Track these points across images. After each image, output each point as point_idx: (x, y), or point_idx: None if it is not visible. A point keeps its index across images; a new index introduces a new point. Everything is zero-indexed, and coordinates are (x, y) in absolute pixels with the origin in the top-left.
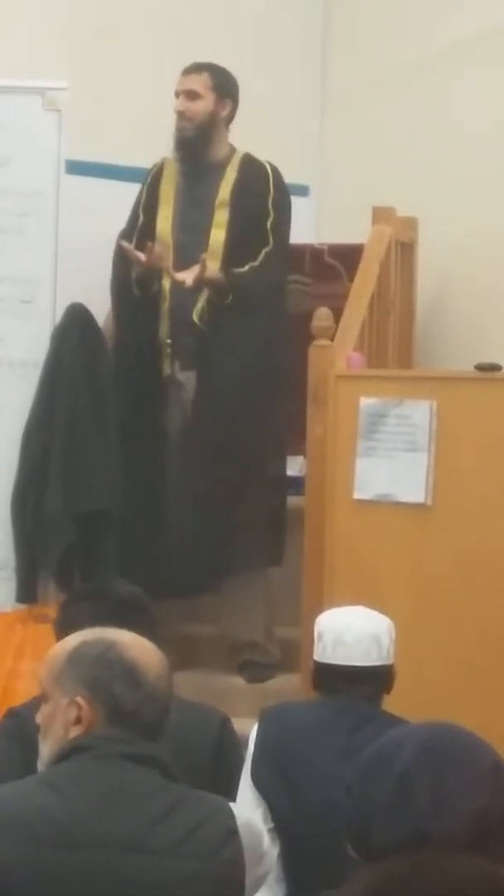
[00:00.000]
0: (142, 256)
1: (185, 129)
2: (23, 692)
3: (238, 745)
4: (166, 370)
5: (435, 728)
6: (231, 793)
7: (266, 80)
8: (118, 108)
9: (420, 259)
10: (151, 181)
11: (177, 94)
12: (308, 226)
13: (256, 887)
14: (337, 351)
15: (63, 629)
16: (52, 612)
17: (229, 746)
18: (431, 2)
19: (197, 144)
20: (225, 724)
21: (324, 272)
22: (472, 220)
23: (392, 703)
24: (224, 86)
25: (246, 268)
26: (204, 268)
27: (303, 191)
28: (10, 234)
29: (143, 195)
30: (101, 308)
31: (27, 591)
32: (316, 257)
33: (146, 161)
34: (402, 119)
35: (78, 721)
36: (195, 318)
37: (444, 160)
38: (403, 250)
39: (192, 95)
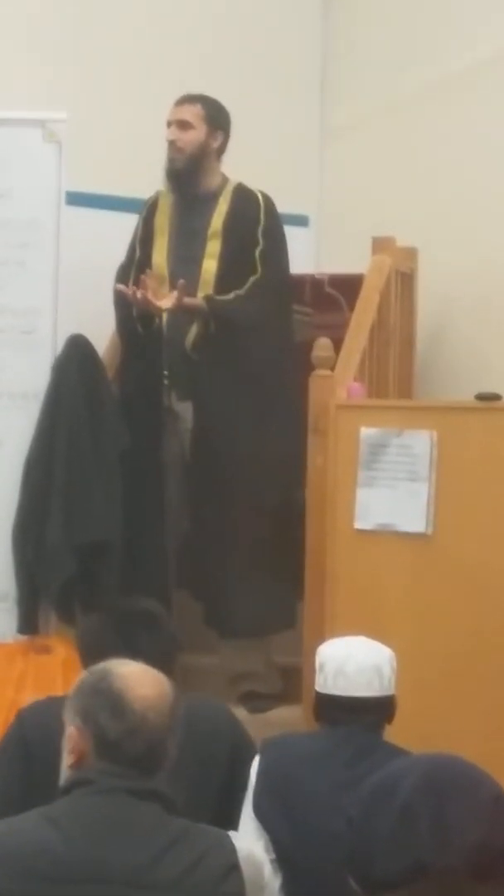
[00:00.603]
0: (137, 294)
1: (175, 159)
2: None
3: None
4: (165, 401)
5: (436, 760)
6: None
7: (266, 111)
8: (118, 140)
9: (420, 289)
10: (147, 214)
11: (168, 124)
12: (308, 256)
13: None
14: (337, 381)
15: (82, 646)
16: (53, 643)
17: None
18: (431, 33)
19: (187, 175)
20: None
21: (324, 302)
22: (472, 249)
23: (394, 734)
24: (216, 117)
25: (231, 295)
26: (182, 293)
27: (303, 221)
28: (11, 266)
29: (140, 228)
30: (101, 338)
31: (28, 622)
32: (316, 287)
33: (146, 192)
34: (401, 149)
35: (71, 750)
36: (187, 347)
37: (443, 190)
38: (403, 280)
39: (183, 125)
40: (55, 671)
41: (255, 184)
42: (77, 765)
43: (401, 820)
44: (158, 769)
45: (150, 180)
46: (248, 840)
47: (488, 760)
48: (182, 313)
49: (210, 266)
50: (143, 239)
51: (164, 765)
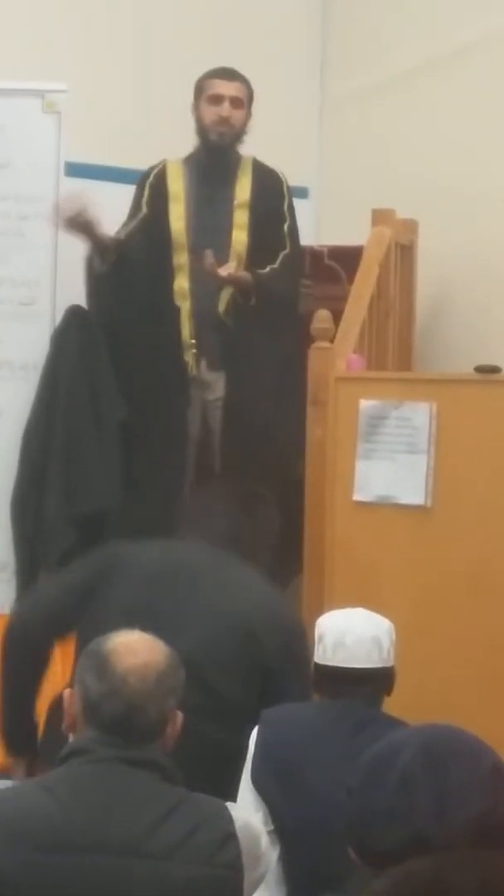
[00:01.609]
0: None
1: (224, 134)
2: None
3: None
4: (192, 371)
5: (435, 731)
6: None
7: (266, 83)
8: (118, 111)
9: (420, 261)
10: (154, 180)
11: (218, 98)
12: (308, 228)
13: (254, 889)
14: (336, 353)
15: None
16: None
17: None
18: (431, 5)
19: (228, 151)
20: None
21: (323, 274)
22: (472, 222)
23: (393, 706)
24: (252, 97)
25: (267, 269)
26: (239, 265)
27: (302, 193)
28: (10, 237)
29: (146, 191)
30: None
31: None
32: (316, 259)
33: (146, 163)
34: (401, 121)
35: (67, 712)
36: (221, 312)
37: (443, 162)
38: (403, 252)
39: (237, 103)
40: None
41: (256, 156)
42: (71, 727)
43: (399, 791)
44: (147, 737)
45: (150, 151)
46: (246, 811)
47: (487, 732)
48: (212, 282)
49: (240, 237)
50: (153, 201)
51: (156, 734)
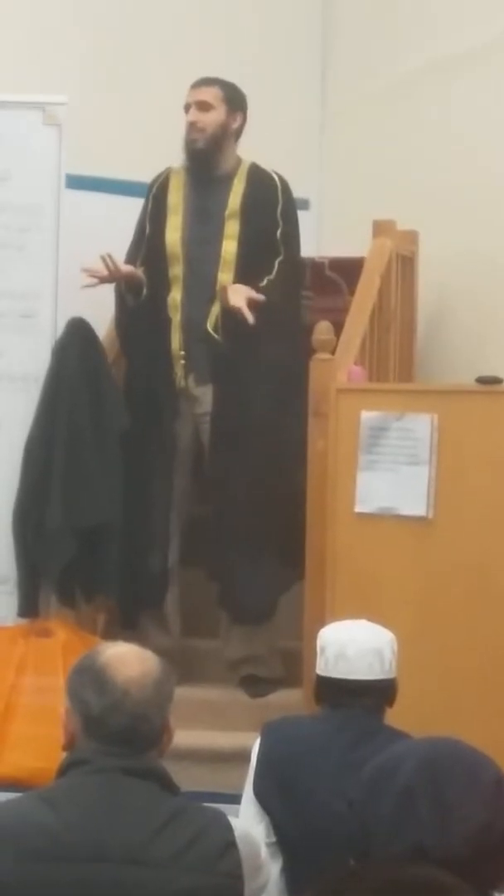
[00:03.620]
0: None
1: (196, 140)
2: (25, 707)
3: None
4: (180, 383)
5: (437, 743)
6: None
7: (266, 95)
8: (118, 123)
9: (420, 272)
10: (157, 191)
11: (187, 106)
12: (309, 239)
13: None
14: (338, 364)
15: None
16: (53, 626)
17: None
18: (430, 16)
19: (208, 156)
20: None
21: (324, 286)
22: (473, 233)
23: (394, 717)
24: (234, 99)
25: (265, 281)
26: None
27: (303, 204)
28: (11, 249)
29: (150, 205)
30: (101, 322)
31: (29, 606)
32: (317, 271)
33: (146, 175)
34: (402, 132)
35: (63, 731)
36: (209, 328)
37: (444, 173)
38: (404, 263)
39: (204, 106)
40: (55, 654)
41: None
42: (69, 745)
43: (401, 803)
44: (149, 745)
45: (150, 163)
46: (249, 822)
47: (489, 744)
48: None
49: (230, 247)
50: (154, 216)
51: (156, 742)
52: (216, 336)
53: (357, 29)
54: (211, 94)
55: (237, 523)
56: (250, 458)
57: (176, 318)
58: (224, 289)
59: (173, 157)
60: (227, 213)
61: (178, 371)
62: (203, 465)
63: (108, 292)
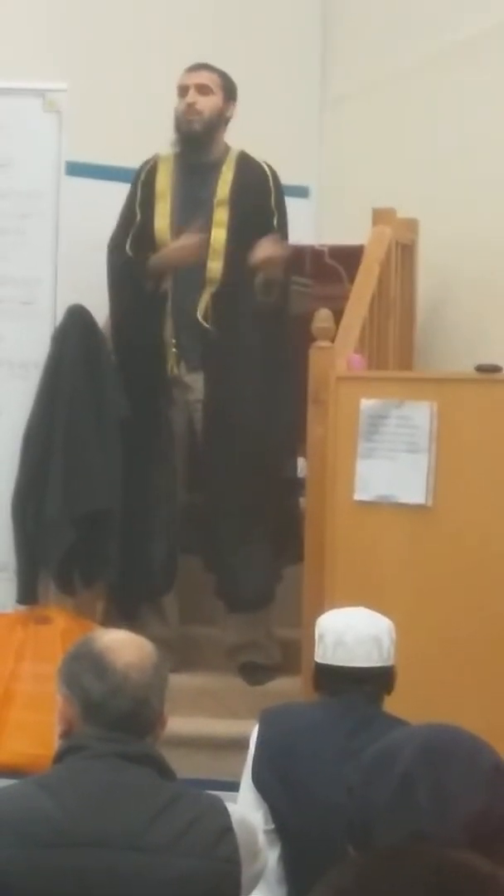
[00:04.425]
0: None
1: (193, 121)
2: (24, 693)
3: None
4: (172, 370)
5: (436, 730)
6: None
7: (266, 82)
8: (118, 110)
9: (420, 260)
10: (146, 178)
11: (184, 89)
12: (308, 227)
13: (253, 884)
14: (337, 352)
15: None
16: (52, 613)
17: None
18: (430, 3)
19: (202, 140)
20: None
21: (324, 274)
22: (473, 221)
23: (393, 704)
24: (230, 88)
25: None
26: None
27: (303, 192)
28: (11, 236)
29: (139, 192)
30: (101, 309)
31: (28, 593)
32: (316, 259)
33: None
34: (401, 120)
35: (60, 719)
36: (199, 316)
37: (444, 161)
38: (404, 251)
39: (203, 90)
40: (54, 641)
41: (256, 154)
42: (66, 733)
43: (400, 789)
44: (148, 730)
45: (150, 150)
46: (248, 810)
47: (487, 730)
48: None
49: (219, 235)
50: (143, 203)
51: (155, 727)
52: (206, 324)
53: (357, 16)
54: (211, 79)
55: (231, 510)
56: (242, 445)
57: (167, 305)
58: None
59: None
60: (215, 200)
61: (171, 359)
62: (195, 453)
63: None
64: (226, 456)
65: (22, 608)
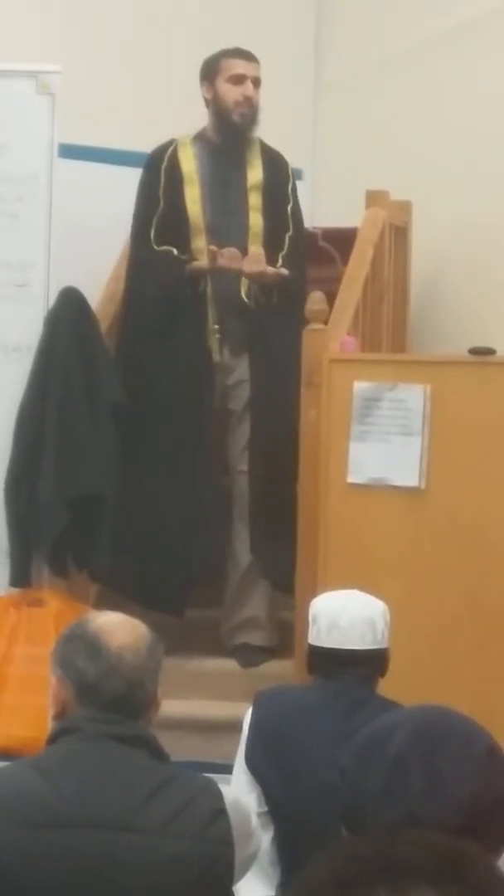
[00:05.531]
0: (219, 259)
1: (246, 115)
2: (16, 676)
3: None
4: (216, 356)
5: (429, 712)
6: None
7: (261, 65)
8: (111, 92)
9: (414, 243)
10: (168, 164)
11: (241, 78)
12: (302, 210)
13: (246, 866)
14: (331, 335)
15: None
16: (45, 595)
17: None
18: None
19: (248, 132)
20: None
21: (318, 256)
22: (466, 203)
23: (387, 687)
24: None
25: (280, 260)
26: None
27: (297, 175)
28: (4, 218)
29: (162, 179)
30: (94, 292)
31: (21, 575)
32: (310, 241)
33: (139, 145)
34: (395, 103)
35: (54, 701)
36: (244, 297)
37: (437, 144)
38: (397, 234)
39: (258, 83)
40: (47, 624)
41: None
42: (60, 715)
43: (392, 771)
44: (142, 712)
45: (143, 133)
46: (240, 791)
47: (481, 713)
48: (228, 275)
49: (257, 219)
50: (168, 189)
51: (148, 709)
52: (251, 306)
53: (351, 3)
54: (260, 72)
55: (276, 490)
56: (285, 425)
57: (207, 291)
58: (213, 254)
59: (167, 125)
60: (248, 185)
61: (213, 345)
62: (230, 435)
63: (100, 262)
64: (271, 434)
65: (15, 591)
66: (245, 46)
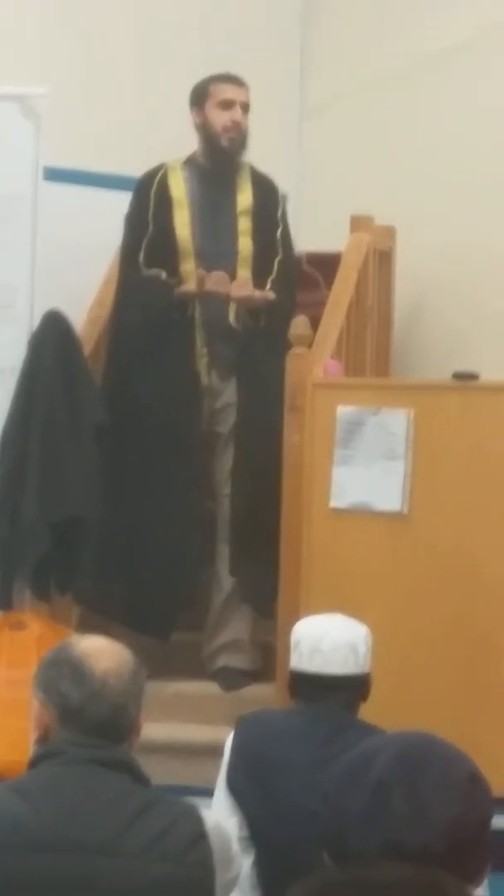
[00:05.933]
0: (206, 283)
1: (235, 140)
2: None
3: None
4: (204, 380)
5: (412, 737)
6: None
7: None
8: (97, 115)
9: (398, 268)
10: (158, 188)
11: (230, 103)
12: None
13: (227, 891)
14: (314, 359)
15: None
16: (27, 618)
17: None
18: (409, 12)
19: (237, 156)
20: None
21: (302, 280)
22: (450, 228)
23: (369, 712)
24: None
25: (268, 284)
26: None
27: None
28: None
29: (152, 203)
30: (78, 315)
31: (3, 598)
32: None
33: (124, 168)
34: (380, 128)
35: (36, 725)
36: (232, 320)
37: (421, 169)
38: (381, 259)
39: (246, 109)
40: (29, 647)
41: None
42: (42, 738)
43: (374, 797)
44: (125, 737)
45: (128, 156)
46: (221, 815)
47: (463, 737)
48: (216, 298)
49: (246, 243)
50: (158, 213)
51: (131, 733)
52: (239, 330)
53: (336, 24)
54: (248, 97)
55: (257, 510)
56: (270, 449)
57: (195, 314)
58: (201, 278)
59: (152, 150)
60: (238, 209)
61: (202, 368)
62: (216, 458)
63: (85, 285)
64: (256, 458)
65: None
66: (229, 69)
